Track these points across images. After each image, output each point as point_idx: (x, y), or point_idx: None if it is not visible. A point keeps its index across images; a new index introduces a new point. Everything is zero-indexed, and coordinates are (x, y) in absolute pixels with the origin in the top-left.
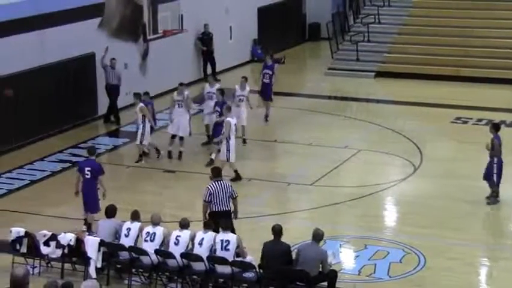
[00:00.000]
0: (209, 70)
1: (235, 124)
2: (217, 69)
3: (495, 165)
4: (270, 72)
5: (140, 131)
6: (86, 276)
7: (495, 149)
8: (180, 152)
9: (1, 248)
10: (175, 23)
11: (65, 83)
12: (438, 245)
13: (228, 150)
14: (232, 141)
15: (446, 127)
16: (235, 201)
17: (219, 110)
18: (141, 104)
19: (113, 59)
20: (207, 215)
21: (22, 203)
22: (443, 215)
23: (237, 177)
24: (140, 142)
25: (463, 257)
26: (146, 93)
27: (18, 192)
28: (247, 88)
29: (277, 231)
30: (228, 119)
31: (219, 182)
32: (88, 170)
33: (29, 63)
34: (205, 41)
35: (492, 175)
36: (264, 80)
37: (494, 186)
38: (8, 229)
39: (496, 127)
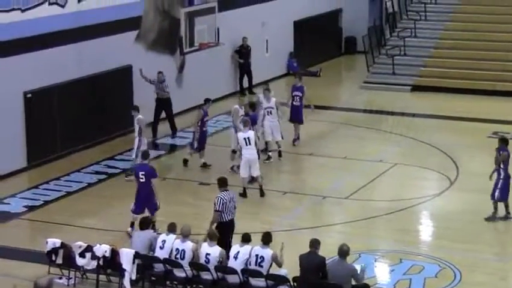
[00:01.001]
0: (245, 83)
1: (247, 138)
2: (253, 82)
3: (501, 181)
4: (300, 94)
5: (136, 145)
6: None
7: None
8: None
9: (37, 259)
10: (211, 36)
11: (102, 95)
12: (474, 260)
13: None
14: (243, 156)
15: (483, 142)
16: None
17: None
18: (139, 116)
19: (160, 72)
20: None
21: (58, 214)
22: (479, 230)
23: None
24: (136, 156)
25: (499, 272)
26: (208, 100)
27: (54, 204)
28: (273, 99)
29: (312, 243)
30: (239, 133)
31: (227, 192)
32: (142, 174)
33: (67, 75)
34: (243, 54)
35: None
36: (294, 103)
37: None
38: (45, 240)
39: (505, 141)
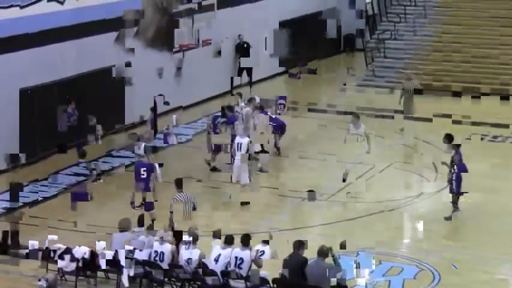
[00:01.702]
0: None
1: (239, 144)
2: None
3: (454, 174)
4: (284, 103)
5: None
6: (119, 285)
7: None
8: None
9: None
10: (210, 33)
11: (100, 92)
12: (453, 262)
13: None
14: (235, 161)
15: (462, 143)
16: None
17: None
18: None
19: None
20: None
21: (37, 217)
22: (458, 231)
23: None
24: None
25: (479, 274)
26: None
27: (33, 206)
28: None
29: (296, 245)
30: (237, 137)
31: (182, 194)
32: (143, 170)
33: (52, 76)
34: (241, 51)
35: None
36: (279, 112)
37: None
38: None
39: (449, 138)
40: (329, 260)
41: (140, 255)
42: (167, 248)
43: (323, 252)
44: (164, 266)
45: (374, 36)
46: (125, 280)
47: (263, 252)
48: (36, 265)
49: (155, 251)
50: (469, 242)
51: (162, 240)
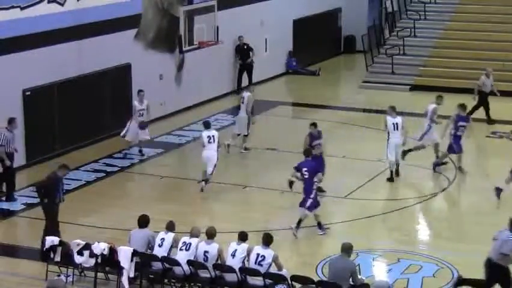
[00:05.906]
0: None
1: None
2: (252, 80)
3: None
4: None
5: None
6: (119, 285)
7: None
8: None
9: (36, 256)
10: (210, 34)
11: (100, 93)
12: (473, 260)
13: None
14: None
15: (482, 141)
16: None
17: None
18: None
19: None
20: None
21: None
22: (477, 229)
23: None
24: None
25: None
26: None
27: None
28: (146, 101)
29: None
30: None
31: None
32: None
33: (67, 73)
34: (241, 53)
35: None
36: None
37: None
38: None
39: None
40: (352, 257)
41: (160, 252)
42: (195, 240)
43: (347, 249)
44: (188, 256)
45: (393, 33)
46: (125, 281)
47: (263, 257)
48: (37, 266)
49: (184, 242)
50: (489, 241)
51: (193, 237)
